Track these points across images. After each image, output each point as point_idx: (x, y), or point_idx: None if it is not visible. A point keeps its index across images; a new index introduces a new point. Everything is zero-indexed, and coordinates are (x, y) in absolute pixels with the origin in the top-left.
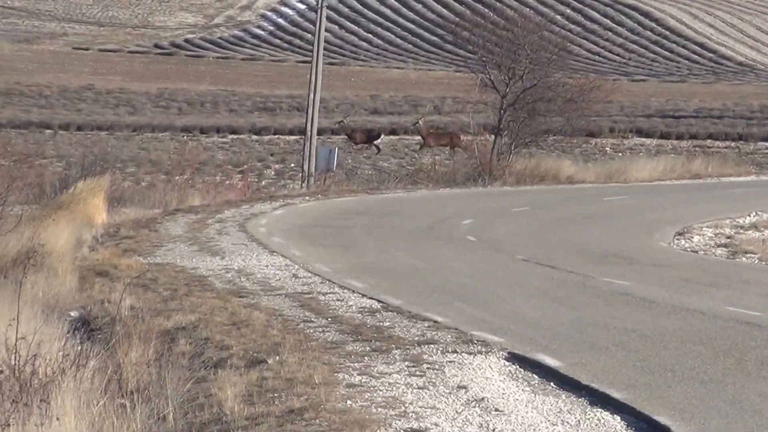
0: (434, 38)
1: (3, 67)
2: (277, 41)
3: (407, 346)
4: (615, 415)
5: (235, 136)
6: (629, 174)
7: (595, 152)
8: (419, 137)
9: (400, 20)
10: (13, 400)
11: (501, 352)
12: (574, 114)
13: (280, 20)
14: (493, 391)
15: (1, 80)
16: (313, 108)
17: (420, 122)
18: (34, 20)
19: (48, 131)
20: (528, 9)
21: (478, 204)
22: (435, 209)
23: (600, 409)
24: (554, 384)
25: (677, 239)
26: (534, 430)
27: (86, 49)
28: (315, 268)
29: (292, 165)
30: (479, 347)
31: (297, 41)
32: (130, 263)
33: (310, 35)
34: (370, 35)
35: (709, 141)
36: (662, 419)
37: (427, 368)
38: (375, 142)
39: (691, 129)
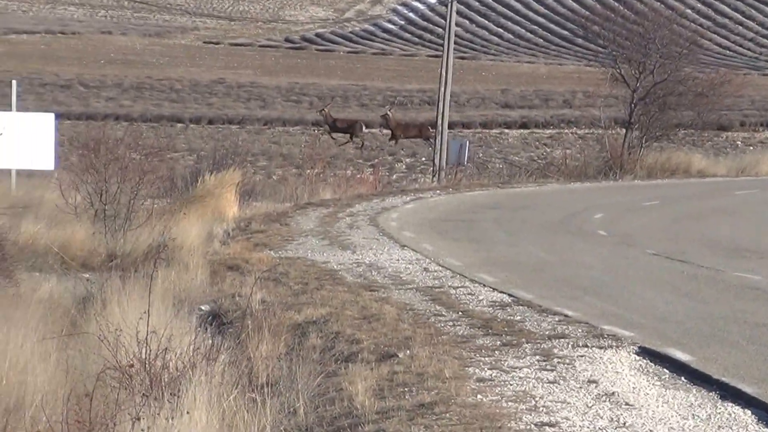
0: (565, 32)
1: (134, 62)
2: (408, 35)
3: (538, 341)
4: (746, 410)
5: (366, 130)
6: (761, 167)
7: (726, 146)
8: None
9: (531, 14)
10: (144, 394)
11: (631, 347)
12: (705, 108)
13: (411, 14)
14: (624, 385)
15: (133, 74)
16: (444, 102)
17: (389, 113)
18: (165, 15)
19: (179, 125)
20: (658, 3)
21: (609, 198)
22: (566, 203)
23: (731, 404)
24: (685, 378)
25: None
26: (665, 424)
27: (217, 44)
28: (446, 262)
29: (423, 159)
30: (610, 341)
31: (427, 35)
32: (261, 257)
33: (440, 29)
34: (500, 29)
35: None
36: None
37: (558, 362)
38: (357, 135)
39: None
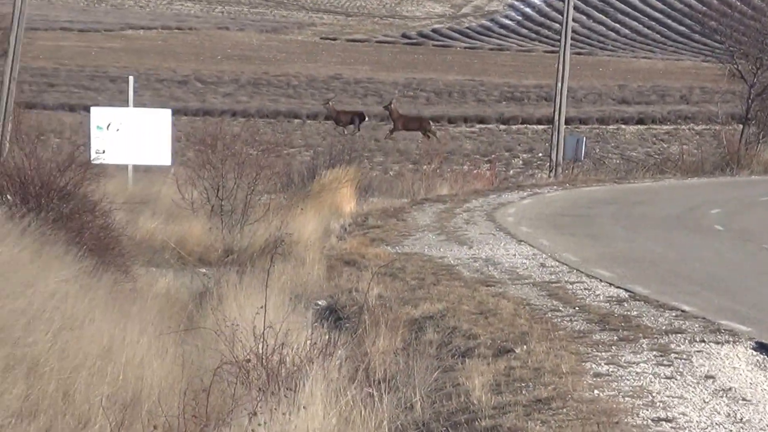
0: (682, 28)
1: (251, 57)
2: (525, 31)
3: (655, 336)
4: None
5: (483, 126)
6: None
7: None
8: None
9: (648, 10)
10: (261, 389)
11: (748, 342)
12: None
13: (528, 10)
14: (741, 381)
15: (250, 70)
16: (561, 98)
17: (392, 105)
18: (282, 10)
19: (296, 120)
20: None
21: (726, 193)
22: (683, 198)
23: None
24: None
25: None
26: None
27: (334, 39)
28: (562, 257)
29: (540, 154)
30: (726, 337)
31: (544, 31)
32: (377, 252)
33: (557, 25)
34: (617, 25)
35: None
36: None
37: (675, 358)
38: (360, 124)
39: None
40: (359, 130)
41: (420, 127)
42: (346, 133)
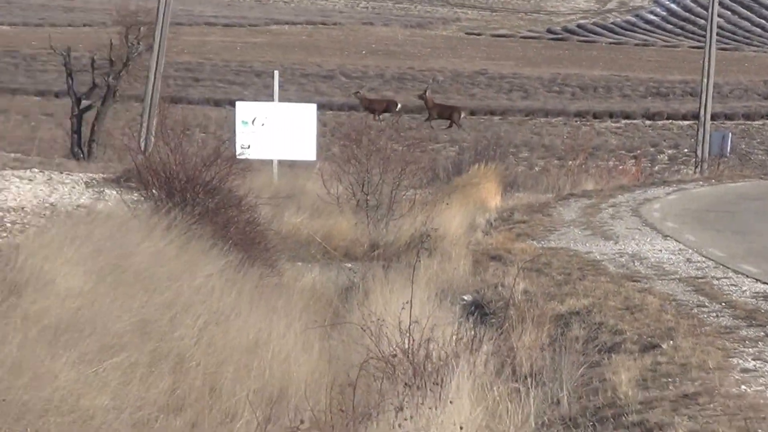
0: None
1: (396, 52)
2: (670, 26)
3: None
4: None
5: (628, 121)
6: None
7: None
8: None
9: None
10: (407, 384)
11: None
12: None
13: (673, 5)
14: None
15: (395, 65)
16: (707, 93)
17: (426, 94)
18: (427, 6)
19: None
20: None
21: None
22: None
23: None
24: None
25: None
26: None
27: (479, 35)
28: (708, 252)
29: (686, 150)
30: None
31: (689, 26)
32: (523, 247)
33: (702, 20)
34: (763, 21)
35: None
36: None
37: None
38: (393, 113)
39: None
40: (398, 116)
41: (449, 116)
42: (381, 120)
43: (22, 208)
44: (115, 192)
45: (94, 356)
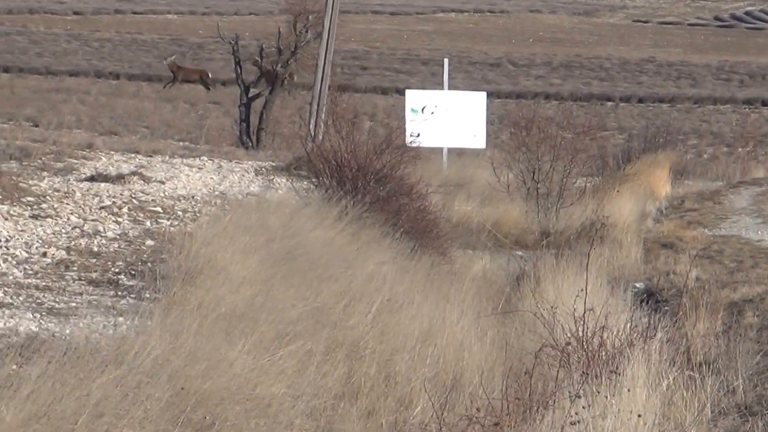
0: None
1: (563, 40)
2: None
3: None
4: None
5: None
6: None
7: None
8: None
9: None
10: (583, 372)
11: None
12: None
13: None
14: None
15: (562, 53)
16: None
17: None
18: None
19: (609, 103)
20: None
21: None
22: None
23: None
24: None
25: None
26: None
27: (646, 22)
28: None
29: None
30: None
31: None
32: (694, 235)
33: None
34: None
35: None
36: None
37: None
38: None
39: None
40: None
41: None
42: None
43: (193, 197)
44: (284, 180)
45: (270, 344)
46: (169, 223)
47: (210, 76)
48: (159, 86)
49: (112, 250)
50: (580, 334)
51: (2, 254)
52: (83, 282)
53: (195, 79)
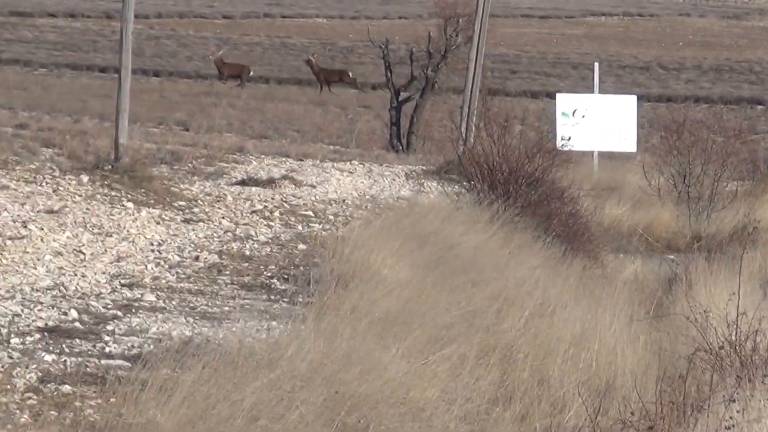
0: None
1: (712, 43)
2: None
3: None
4: None
5: None
6: None
7: None
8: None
9: None
10: (737, 376)
11: None
12: None
13: None
14: None
15: (711, 56)
16: None
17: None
18: None
19: (759, 107)
20: None
21: None
22: None
23: None
24: None
25: None
26: None
27: None
28: None
29: None
30: None
31: None
32: None
33: None
34: None
35: None
36: None
37: None
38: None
39: None
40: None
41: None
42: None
43: (344, 201)
44: (435, 184)
45: (423, 348)
46: (320, 227)
47: (251, 73)
48: (310, 90)
49: (264, 254)
50: (734, 338)
51: (155, 258)
52: (236, 286)
53: (237, 73)
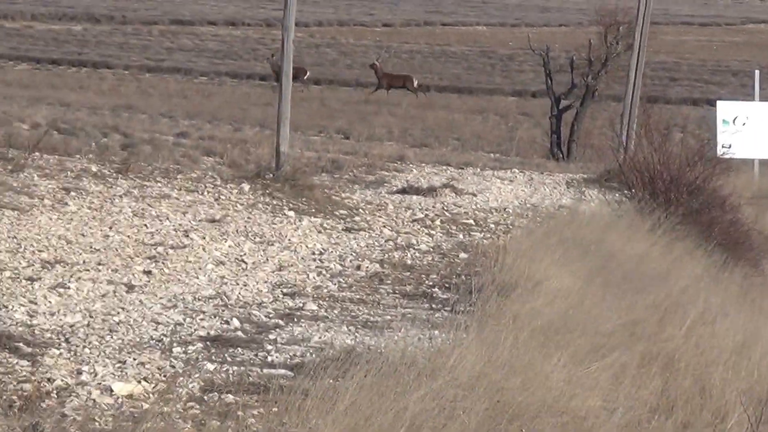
0: None
1: None
2: None
3: None
4: None
5: None
6: None
7: None
8: None
9: None
10: None
11: None
12: None
13: None
14: None
15: None
16: None
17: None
18: None
19: None
20: None
21: None
22: None
23: None
24: None
25: None
26: None
27: None
28: None
29: None
30: None
31: None
32: None
33: None
34: None
35: None
36: None
37: None
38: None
39: None
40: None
41: (403, 85)
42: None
43: (504, 209)
44: (596, 192)
45: (585, 357)
46: (481, 235)
47: (308, 74)
48: (469, 98)
49: (425, 262)
50: None
51: (317, 267)
52: (397, 295)
53: (293, 74)
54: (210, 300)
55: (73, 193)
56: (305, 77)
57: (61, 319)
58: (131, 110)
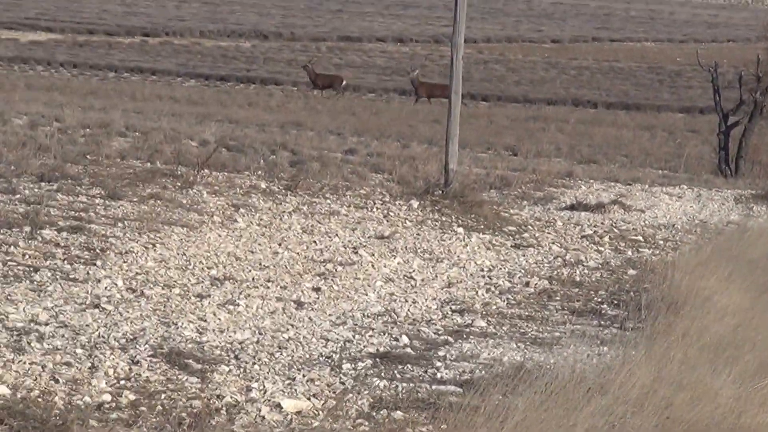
0: None
1: None
2: None
3: None
4: None
5: None
6: None
7: None
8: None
9: None
10: None
11: None
12: None
13: None
14: None
15: None
16: None
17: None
18: None
19: None
20: None
21: None
22: None
23: None
24: None
25: None
26: None
27: None
28: None
29: None
30: None
31: None
32: None
33: None
34: None
35: None
36: None
37: None
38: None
39: None
40: (341, 92)
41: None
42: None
43: (673, 225)
44: (764, 208)
45: (754, 373)
46: (650, 252)
47: (344, 82)
48: (637, 114)
49: (594, 279)
50: None
51: (485, 284)
52: (566, 312)
53: (328, 84)
54: (379, 317)
55: (242, 210)
56: (341, 85)
57: (230, 336)
58: (299, 127)
